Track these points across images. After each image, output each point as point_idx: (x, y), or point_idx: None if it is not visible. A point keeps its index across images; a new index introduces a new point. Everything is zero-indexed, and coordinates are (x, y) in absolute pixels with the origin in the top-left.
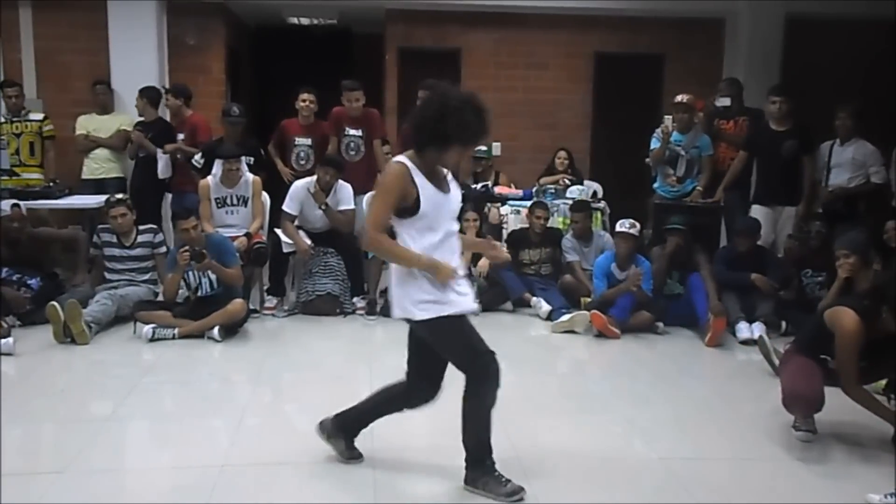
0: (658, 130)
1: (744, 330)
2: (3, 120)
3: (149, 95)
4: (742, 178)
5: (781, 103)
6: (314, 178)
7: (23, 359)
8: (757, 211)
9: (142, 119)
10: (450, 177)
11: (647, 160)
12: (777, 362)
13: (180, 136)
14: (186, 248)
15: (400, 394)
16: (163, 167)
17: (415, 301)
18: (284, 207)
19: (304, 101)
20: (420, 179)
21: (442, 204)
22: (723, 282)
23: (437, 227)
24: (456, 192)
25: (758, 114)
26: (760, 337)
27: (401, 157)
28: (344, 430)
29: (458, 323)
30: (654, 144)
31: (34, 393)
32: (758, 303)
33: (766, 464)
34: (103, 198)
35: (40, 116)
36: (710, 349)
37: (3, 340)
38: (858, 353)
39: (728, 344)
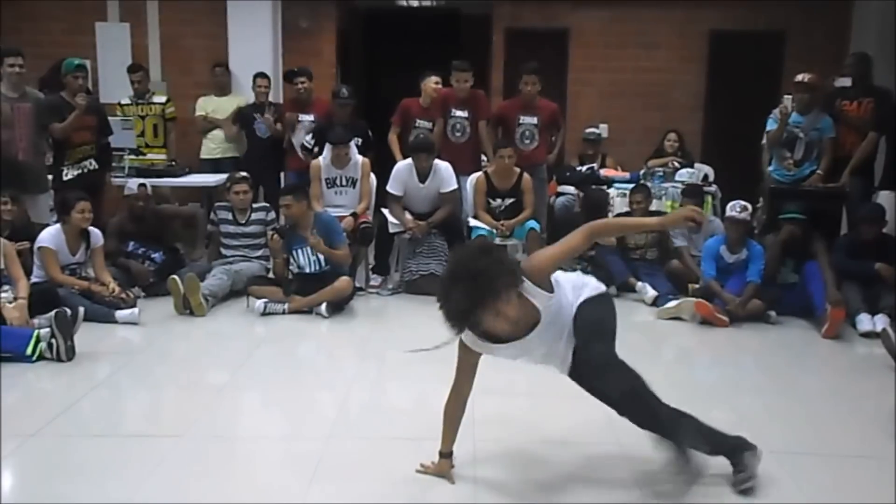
0: (776, 111)
1: (865, 322)
2: (129, 102)
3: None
4: (867, 162)
5: None
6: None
7: (147, 328)
8: (885, 197)
9: (253, 103)
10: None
11: (763, 142)
12: None
13: (309, 118)
14: (272, 233)
15: None
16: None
17: None
18: (389, 188)
19: (435, 83)
20: None
21: None
22: (844, 271)
23: None
24: None
25: (885, 94)
26: (884, 329)
27: None
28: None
29: None
30: (772, 125)
31: (157, 360)
32: (882, 294)
33: (885, 463)
34: (221, 176)
35: (163, 99)
36: (827, 341)
37: (130, 310)
38: None
39: (847, 336)
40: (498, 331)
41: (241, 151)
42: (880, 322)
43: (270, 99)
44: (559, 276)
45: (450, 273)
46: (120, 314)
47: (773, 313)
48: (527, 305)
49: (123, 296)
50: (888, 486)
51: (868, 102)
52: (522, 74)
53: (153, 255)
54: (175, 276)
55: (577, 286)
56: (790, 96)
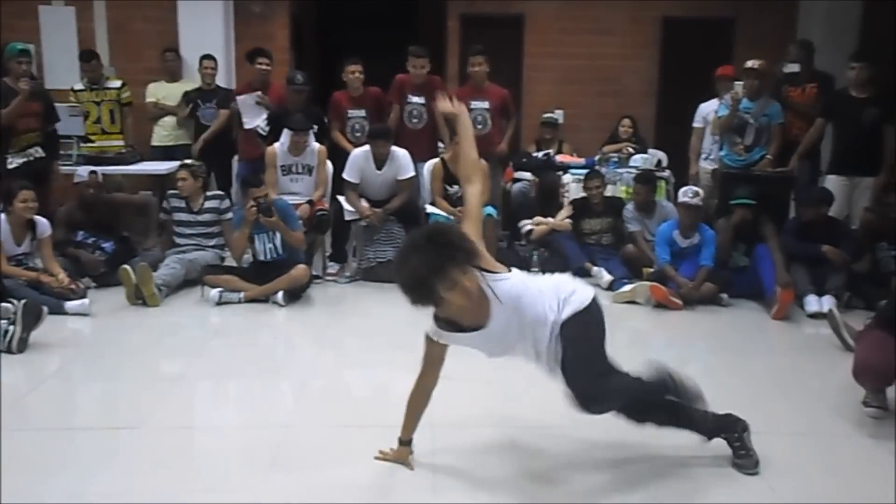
0: (726, 97)
1: (813, 303)
2: (83, 88)
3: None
4: (814, 147)
5: (861, 69)
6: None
7: (98, 319)
8: (832, 181)
9: (199, 87)
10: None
11: (693, 125)
12: (847, 336)
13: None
14: (253, 202)
15: None
16: (253, 114)
17: None
18: (345, 176)
19: (352, 72)
20: None
21: None
22: (792, 253)
23: None
24: None
25: (827, 79)
26: (830, 310)
27: None
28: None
29: None
30: (723, 112)
31: (109, 352)
32: (829, 275)
33: (834, 439)
34: (173, 164)
35: (118, 84)
36: (777, 322)
37: (80, 301)
38: None
39: (796, 317)
40: (455, 307)
41: (194, 138)
42: (827, 303)
43: (220, 83)
44: (542, 283)
45: (409, 241)
46: (70, 305)
47: (724, 296)
48: (483, 291)
49: (73, 286)
50: (836, 461)
51: (811, 88)
52: (469, 57)
53: (103, 245)
54: (126, 266)
55: (562, 293)
56: (741, 83)
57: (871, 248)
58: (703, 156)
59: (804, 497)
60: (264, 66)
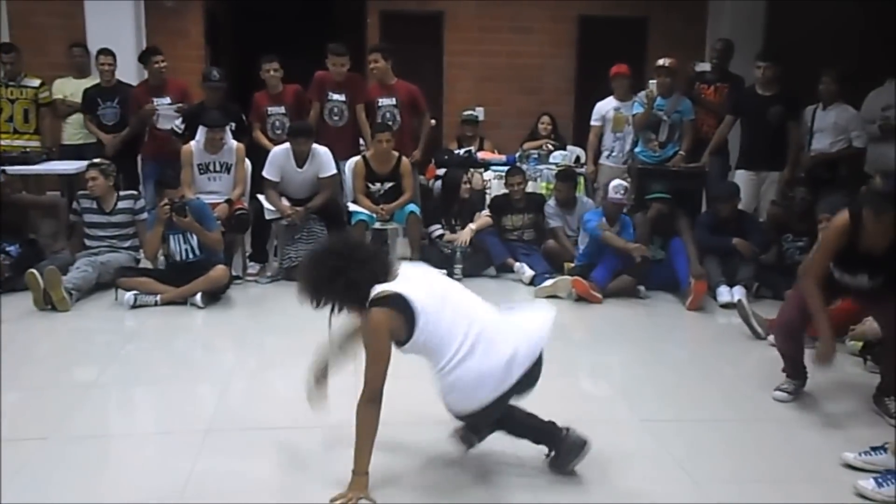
0: (641, 94)
1: (724, 293)
2: None
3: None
4: (723, 143)
5: (766, 69)
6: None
7: (3, 326)
8: (740, 176)
9: (98, 83)
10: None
11: (592, 122)
12: (756, 325)
13: (164, 101)
14: (166, 201)
15: None
16: (169, 119)
17: None
18: (265, 174)
19: (267, 70)
20: None
21: None
22: (704, 246)
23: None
24: None
25: (738, 80)
26: (739, 301)
27: None
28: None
29: None
30: (637, 109)
31: (15, 360)
32: (739, 267)
33: (744, 424)
34: (82, 163)
35: (37, 83)
36: (691, 313)
37: None
38: (833, 255)
39: (709, 307)
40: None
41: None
42: (738, 293)
43: (128, 80)
44: (512, 320)
45: (325, 245)
46: None
47: (642, 288)
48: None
49: None
50: (746, 445)
51: (723, 87)
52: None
53: (8, 248)
54: (33, 270)
55: (522, 339)
56: (654, 81)
57: (778, 240)
58: (605, 153)
59: (716, 479)
60: (160, 66)
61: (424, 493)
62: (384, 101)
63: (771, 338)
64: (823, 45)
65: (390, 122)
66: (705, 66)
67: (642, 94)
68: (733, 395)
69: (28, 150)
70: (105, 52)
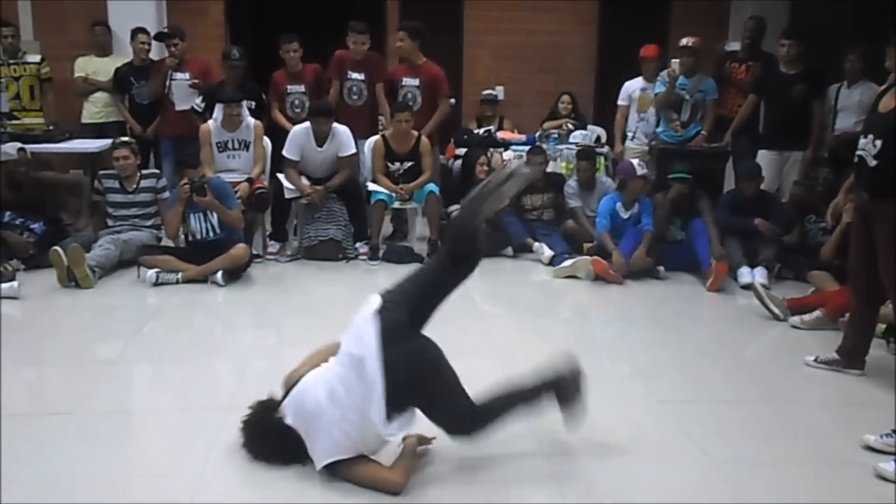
0: (664, 73)
1: (745, 275)
2: (0, 62)
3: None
4: (751, 122)
5: (790, 46)
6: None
7: (28, 302)
8: (763, 156)
9: (130, 62)
10: None
11: (619, 102)
12: (773, 306)
13: (184, 76)
14: (186, 181)
15: None
16: (188, 97)
17: None
18: (285, 153)
19: (287, 52)
20: None
21: None
22: (726, 227)
23: None
24: None
25: (771, 59)
26: (752, 283)
27: None
28: None
29: None
30: (659, 88)
31: (40, 336)
32: (760, 248)
33: (764, 406)
34: (104, 142)
35: (37, 59)
36: (712, 294)
37: (7, 284)
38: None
39: (730, 289)
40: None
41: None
42: (759, 274)
43: (153, 57)
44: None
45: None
46: None
47: (661, 269)
48: None
49: (1, 269)
50: (765, 425)
51: (755, 66)
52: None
53: (32, 226)
54: (57, 248)
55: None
56: (677, 60)
57: (801, 221)
58: (630, 135)
59: (735, 460)
60: (175, 48)
61: (428, 489)
62: (408, 81)
63: (792, 319)
64: (848, 23)
65: (410, 103)
66: (735, 46)
67: (664, 73)
68: (753, 377)
69: (50, 127)
70: (141, 30)
